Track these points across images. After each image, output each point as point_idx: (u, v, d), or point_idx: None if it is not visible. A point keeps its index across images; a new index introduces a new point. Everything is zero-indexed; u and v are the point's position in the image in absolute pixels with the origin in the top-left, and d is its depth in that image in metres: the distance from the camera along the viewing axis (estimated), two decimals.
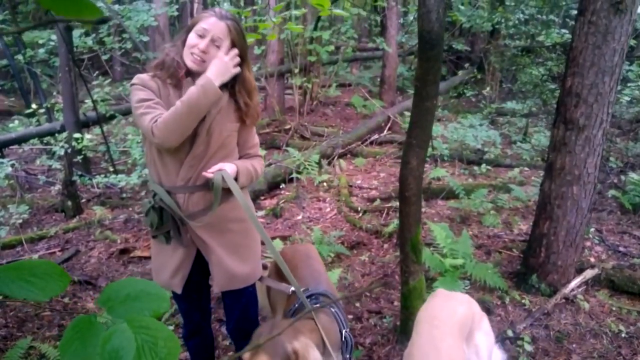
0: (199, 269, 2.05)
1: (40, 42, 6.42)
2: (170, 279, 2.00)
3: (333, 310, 1.81)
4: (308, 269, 2.10)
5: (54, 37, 5.91)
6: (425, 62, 2.44)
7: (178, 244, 1.95)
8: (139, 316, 0.64)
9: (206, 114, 1.84)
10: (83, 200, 5.10)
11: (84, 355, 0.59)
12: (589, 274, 3.31)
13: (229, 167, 1.88)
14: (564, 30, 7.62)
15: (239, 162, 1.97)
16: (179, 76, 1.87)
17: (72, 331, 0.61)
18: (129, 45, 6.18)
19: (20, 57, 6.48)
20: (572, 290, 3.19)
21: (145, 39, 6.49)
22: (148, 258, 3.97)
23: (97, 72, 6.91)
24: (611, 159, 5.48)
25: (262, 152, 2.25)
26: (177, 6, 7.47)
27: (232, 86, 1.91)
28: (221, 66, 1.80)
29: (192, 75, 1.89)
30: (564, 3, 6.64)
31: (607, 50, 2.85)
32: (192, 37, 1.82)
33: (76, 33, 5.77)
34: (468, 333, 1.72)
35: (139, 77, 1.88)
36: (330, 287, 2.04)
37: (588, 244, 3.91)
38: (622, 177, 5.15)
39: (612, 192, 4.79)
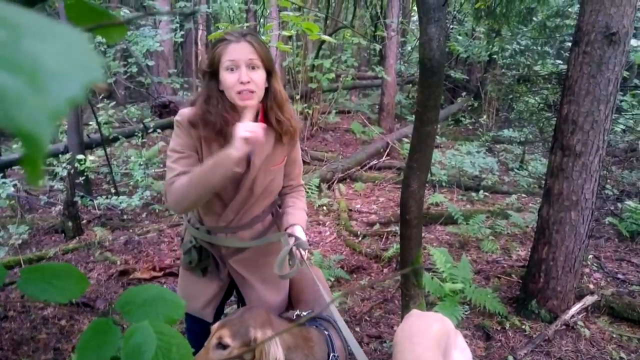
0: (225, 296, 2.08)
1: None
2: (202, 309, 1.99)
3: (326, 333, 1.81)
4: (314, 294, 2.10)
5: None
6: (426, 89, 2.50)
7: (215, 278, 1.96)
8: (154, 321, 0.66)
9: (250, 166, 1.75)
10: (84, 221, 5.10)
11: (100, 356, 0.61)
12: (588, 300, 3.31)
13: (300, 233, 1.80)
14: (558, 61, 7.77)
15: (299, 218, 1.89)
16: (228, 132, 1.63)
17: (89, 333, 0.63)
18: (134, 69, 6.28)
19: None
20: (572, 316, 3.19)
21: (151, 63, 6.60)
22: (148, 280, 3.97)
23: (101, 95, 6.99)
24: (607, 186, 5.53)
25: None
26: (182, 32, 7.61)
27: (264, 105, 1.74)
28: (245, 132, 1.55)
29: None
30: (557, 35, 6.78)
31: (601, 79, 2.93)
32: (226, 76, 1.62)
33: None
34: (444, 350, 1.75)
35: (184, 116, 1.70)
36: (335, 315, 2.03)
37: (587, 270, 3.92)
38: (619, 205, 5.18)
39: (609, 220, 4.83)
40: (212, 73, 1.67)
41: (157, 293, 0.69)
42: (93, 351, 0.61)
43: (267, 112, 1.76)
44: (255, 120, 1.75)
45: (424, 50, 2.42)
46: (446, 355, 1.84)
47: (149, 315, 0.66)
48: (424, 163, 2.67)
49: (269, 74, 1.71)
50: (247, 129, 1.53)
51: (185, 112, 1.72)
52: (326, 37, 2.93)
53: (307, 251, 1.78)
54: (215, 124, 1.65)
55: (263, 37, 3.34)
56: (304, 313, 1.93)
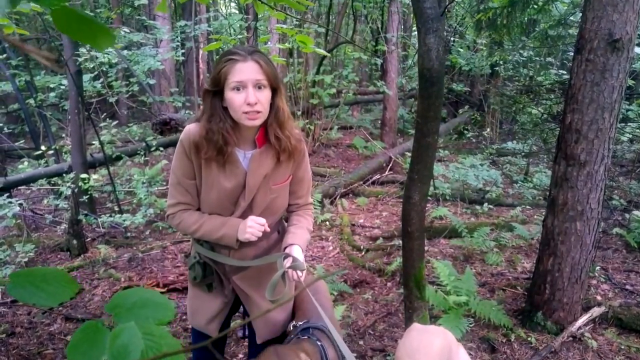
0: (230, 312, 2.07)
1: (51, 86, 6.59)
2: (206, 325, 1.99)
3: (319, 343, 1.80)
4: (313, 304, 2.09)
5: (64, 81, 6.09)
6: (426, 99, 2.50)
7: (220, 294, 1.96)
8: (145, 323, 0.65)
9: (246, 188, 1.77)
10: (88, 240, 5.11)
11: (90, 357, 0.60)
12: (596, 311, 3.27)
13: (298, 253, 1.78)
14: (562, 71, 7.78)
15: (299, 238, 1.86)
16: (227, 152, 1.70)
17: (80, 335, 0.62)
18: (135, 88, 6.34)
19: (31, 101, 6.65)
20: (579, 328, 3.14)
21: (152, 81, 6.66)
22: None
23: (104, 114, 7.06)
24: (614, 197, 5.49)
25: None
26: (182, 51, 7.69)
27: (265, 121, 1.74)
28: (250, 230, 1.73)
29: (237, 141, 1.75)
30: (560, 45, 6.80)
31: (605, 87, 2.89)
32: (232, 96, 1.62)
33: (86, 77, 5.95)
34: None
35: (189, 136, 1.73)
36: (332, 323, 2.01)
37: (594, 282, 3.88)
38: (627, 216, 5.14)
39: (616, 230, 4.78)
40: (217, 91, 1.67)
41: (147, 296, 0.69)
42: (83, 352, 0.61)
43: (267, 128, 1.75)
44: (254, 135, 1.77)
45: (423, 60, 2.43)
46: None
47: (139, 317, 0.66)
48: (425, 174, 2.66)
49: (275, 91, 1.71)
50: (255, 228, 1.73)
51: (191, 131, 1.73)
52: (319, 50, 2.94)
53: (304, 272, 1.76)
54: (217, 141, 1.67)
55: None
56: (300, 323, 1.92)
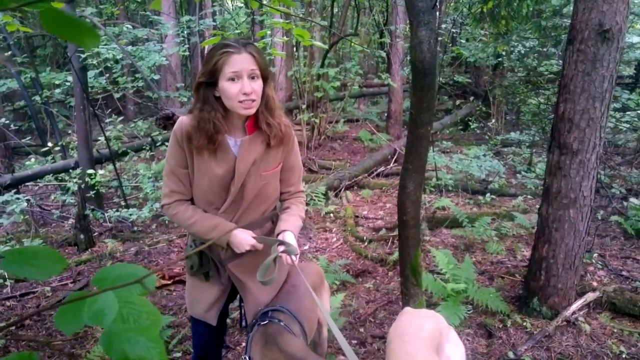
0: (228, 300, 2.13)
1: (57, 82, 6.71)
2: (205, 312, 2.05)
3: (282, 324, 1.87)
4: (288, 285, 2.14)
5: (70, 78, 6.19)
6: (419, 91, 2.56)
7: (217, 282, 2.03)
8: (127, 293, 0.73)
9: (235, 173, 1.83)
10: (95, 234, 5.22)
11: (75, 323, 0.68)
12: (590, 296, 3.32)
13: (290, 239, 1.87)
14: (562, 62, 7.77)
15: (291, 224, 1.95)
16: (218, 140, 1.78)
17: (66, 305, 0.70)
18: (141, 83, 6.43)
19: (37, 97, 6.76)
20: (574, 313, 3.20)
21: (156, 77, 6.75)
22: (157, 288, 4.06)
23: (109, 110, 7.17)
24: (614, 185, 5.50)
25: None
26: (187, 46, 7.76)
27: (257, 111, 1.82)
28: (242, 242, 1.86)
29: (228, 130, 1.84)
30: (553, 34, 6.78)
31: (596, 77, 2.93)
32: (228, 87, 1.71)
33: (91, 73, 6.04)
34: (438, 345, 1.80)
35: (182, 127, 1.82)
36: (298, 305, 2.01)
37: (591, 268, 3.92)
38: (625, 203, 5.17)
39: (614, 218, 4.81)
40: (209, 82, 1.75)
41: (130, 270, 0.76)
42: (68, 319, 0.69)
43: (257, 116, 1.84)
44: (244, 123, 1.85)
45: (415, 53, 2.48)
46: (440, 349, 1.89)
47: (122, 288, 0.73)
48: (419, 164, 2.72)
49: (265, 80, 1.80)
50: (246, 242, 1.86)
51: (183, 122, 1.82)
52: (318, 44, 3.00)
53: (297, 256, 1.84)
54: (208, 130, 1.75)
55: (256, 44, 3.42)
56: (260, 308, 2.00)
